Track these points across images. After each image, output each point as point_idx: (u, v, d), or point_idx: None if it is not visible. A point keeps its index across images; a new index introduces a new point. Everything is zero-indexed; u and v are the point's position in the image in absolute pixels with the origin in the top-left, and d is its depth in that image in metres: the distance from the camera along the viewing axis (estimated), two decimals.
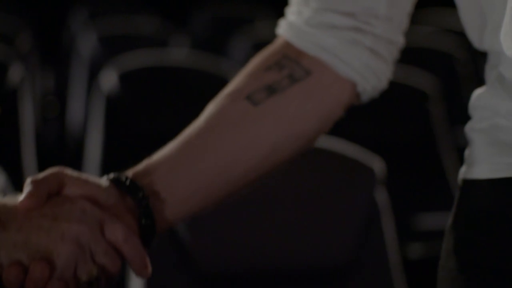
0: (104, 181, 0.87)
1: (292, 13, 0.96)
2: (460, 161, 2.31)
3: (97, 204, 0.83)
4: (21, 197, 0.81)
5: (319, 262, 1.42)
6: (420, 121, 2.71)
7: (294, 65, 0.92)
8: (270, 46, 0.96)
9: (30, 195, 0.80)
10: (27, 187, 0.81)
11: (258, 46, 3.41)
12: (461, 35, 4.01)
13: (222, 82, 2.57)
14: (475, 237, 0.85)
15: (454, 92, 3.46)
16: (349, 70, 0.92)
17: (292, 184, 1.42)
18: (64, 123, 3.52)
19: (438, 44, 3.75)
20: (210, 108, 0.93)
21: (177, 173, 0.90)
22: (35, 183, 0.82)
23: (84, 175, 0.86)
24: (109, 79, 2.50)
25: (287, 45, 0.94)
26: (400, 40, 0.95)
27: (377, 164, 1.46)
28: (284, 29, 0.96)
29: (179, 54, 2.99)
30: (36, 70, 3.91)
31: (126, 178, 0.87)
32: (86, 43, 3.71)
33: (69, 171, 0.85)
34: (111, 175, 0.88)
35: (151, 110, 2.48)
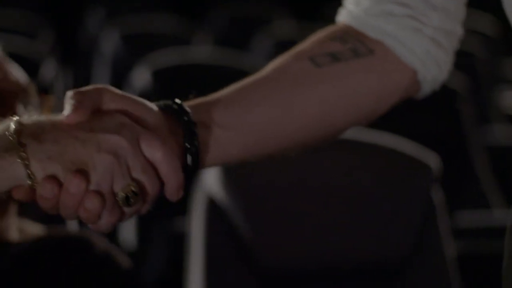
0: (147, 101, 0.83)
1: (350, 3, 0.95)
2: (490, 159, 2.27)
3: (138, 122, 0.79)
4: (66, 110, 0.77)
5: (375, 259, 1.42)
6: (450, 119, 2.71)
7: (357, 42, 0.92)
8: (329, 27, 0.96)
9: (76, 108, 0.77)
10: (70, 100, 0.77)
11: (280, 45, 3.42)
12: (483, 36, 4.02)
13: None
14: None
15: (477, 91, 3.46)
16: (410, 55, 0.91)
17: (350, 182, 1.42)
18: None
19: (461, 44, 3.74)
20: (272, 64, 0.92)
21: (231, 112, 0.87)
22: (79, 96, 0.77)
23: (128, 94, 0.82)
24: (141, 77, 2.50)
25: (349, 27, 0.94)
26: (458, 30, 0.94)
27: (433, 161, 1.46)
28: (344, 16, 0.95)
29: (206, 52, 2.98)
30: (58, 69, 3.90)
31: (174, 102, 0.84)
32: (108, 42, 3.71)
33: (113, 88, 0.81)
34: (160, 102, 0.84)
35: None
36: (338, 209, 1.40)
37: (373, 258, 1.41)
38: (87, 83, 3.97)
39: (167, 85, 2.49)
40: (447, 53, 0.93)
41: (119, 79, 3.40)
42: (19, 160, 0.74)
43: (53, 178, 0.75)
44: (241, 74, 2.71)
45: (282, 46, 3.71)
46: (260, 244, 1.36)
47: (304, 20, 4.61)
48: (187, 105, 0.85)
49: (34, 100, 1.28)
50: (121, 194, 0.76)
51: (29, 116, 0.79)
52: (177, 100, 0.84)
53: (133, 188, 0.76)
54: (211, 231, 1.38)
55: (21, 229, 1.46)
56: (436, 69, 0.92)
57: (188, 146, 0.82)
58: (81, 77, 4.12)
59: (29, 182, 0.75)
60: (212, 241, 1.37)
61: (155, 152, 0.77)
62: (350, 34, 0.92)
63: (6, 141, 0.75)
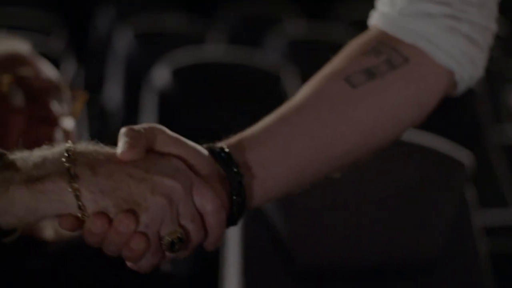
0: (201, 147, 0.82)
1: (383, 4, 0.94)
2: (506, 158, 2.27)
3: (191, 167, 0.78)
4: (120, 147, 0.76)
5: (408, 257, 1.42)
6: (466, 118, 2.71)
7: (391, 51, 0.91)
8: (363, 35, 0.94)
9: (131, 146, 0.76)
10: (124, 137, 0.77)
11: (293, 44, 3.41)
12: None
13: (272, 78, 2.59)
14: None
15: (490, 91, 3.46)
16: (447, 57, 0.91)
17: (384, 180, 1.42)
18: (105, 119, 3.52)
19: None
20: (306, 88, 0.91)
21: (271, 148, 0.86)
22: (133, 134, 0.77)
23: (181, 137, 0.81)
24: (161, 76, 2.51)
25: (382, 34, 0.93)
26: (493, 27, 0.93)
27: (467, 159, 1.46)
28: (376, 19, 0.94)
29: (224, 51, 2.99)
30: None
31: (222, 150, 0.83)
32: (122, 41, 3.71)
33: (165, 129, 0.80)
34: (205, 144, 0.83)
35: (204, 105, 2.48)
36: (373, 207, 1.41)
37: (406, 257, 1.42)
38: (99, 82, 3.99)
39: (187, 84, 2.50)
40: (482, 50, 0.92)
41: (134, 78, 3.41)
42: (70, 190, 0.73)
43: (103, 214, 0.74)
44: (260, 72, 2.73)
45: (295, 45, 3.71)
46: (296, 242, 1.37)
47: (315, 18, 4.61)
48: (227, 144, 0.85)
49: (67, 96, 1.27)
50: (167, 239, 0.76)
51: (82, 143, 0.78)
52: (225, 148, 0.84)
53: (179, 235, 0.76)
54: (247, 229, 1.38)
55: (56, 228, 1.46)
56: (472, 68, 0.92)
57: (235, 200, 0.82)
58: (93, 76, 4.12)
59: (79, 213, 0.74)
60: (249, 240, 1.37)
61: (207, 203, 0.77)
62: (383, 43, 0.91)
63: (60, 166, 0.75)
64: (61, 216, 0.75)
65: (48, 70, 1.28)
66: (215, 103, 2.49)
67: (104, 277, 1.37)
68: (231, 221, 0.82)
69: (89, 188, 0.74)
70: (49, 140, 1.14)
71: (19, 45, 1.31)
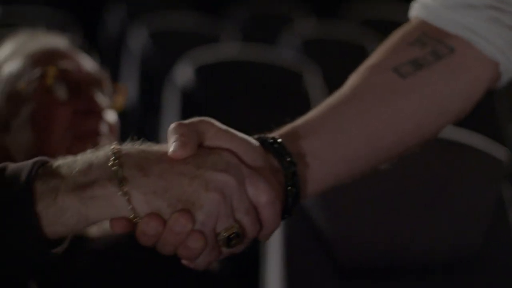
0: (251, 139, 0.80)
1: None
2: None
3: (242, 160, 0.77)
4: (172, 145, 0.74)
5: (447, 254, 1.42)
6: (486, 116, 2.71)
7: (436, 42, 0.90)
8: (405, 26, 0.94)
9: (183, 143, 0.74)
10: (174, 133, 0.75)
11: (308, 43, 3.41)
12: None
13: (294, 76, 2.59)
14: None
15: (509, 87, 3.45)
16: (491, 48, 0.90)
17: (422, 177, 1.42)
18: (120, 118, 3.51)
19: None
20: (354, 79, 0.90)
21: (323, 138, 0.85)
22: (184, 130, 0.75)
23: (231, 129, 0.79)
24: (183, 74, 2.51)
25: (425, 25, 0.92)
26: None
27: (504, 156, 1.46)
28: (418, 10, 0.94)
29: (246, 49, 2.99)
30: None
31: (274, 140, 0.82)
32: (136, 40, 3.71)
33: (215, 121, 0.79)
34: (256, 135, 0.82)
35: (227, 103, 2.49)
36: (412, 204, 1.41)
37: (445, 254, 1.42)
38: (114, 80, 3.98)
39: (210, 81, 2.50)
40: None
41: (150, 76, 3.41)
42: (121, 193, 0.72)
43: (156, 215, 0.72)
44: (282, 70, 2.74)
45: (309, 43, 3.70)
46: (338, 239, 1.37)
47: (326, 17, 4.62)
48: (278, 134, 0.84)
49: (108, 89, 1.25)
50: (223, 235, 0.74)
51: (127, 143, 0.76)
52: (278, 138, 0.82)
53: (236, 230, 0.74)
54: (289, 225, 1.38)
55: (99, 224, 1.45)
56: None
57: (290, 190, 0.81)
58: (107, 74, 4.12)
59: (131, 216, 0.72)
60: (290, 237, 1.37)
61: (261, 195, 0.75)
62: (427, 34, 0.91)
63: (107, 170, 0.72)
64: (112, 220, 0.74)
65: (88, 64, 1.26)
66: (238, 101, 2.50)
67: (149, 272, 1.37)
68: (285, 212, 0.81)
69: (141, 190, 0.72)
70: (95, 133, 1.19)
71: (57, 40, 1.29)
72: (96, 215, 0.73)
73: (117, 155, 0.73)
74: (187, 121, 0.77)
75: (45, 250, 0.73)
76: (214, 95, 2.50)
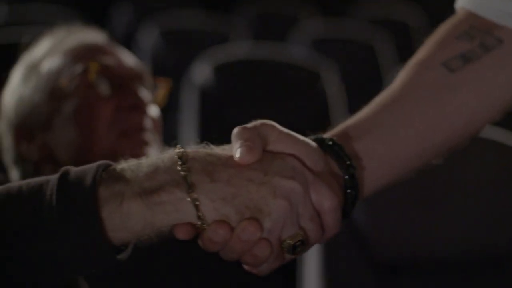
0: (311, 141, 0.78)
1: None
2: None
3: (305, 165, 0.75)
4: (238, 150, 0.72)
5: (485, 251, 1.42)
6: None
7: (484, 34, 0.89)
8: (451, 18, 0.93)
9: (249, 148, 0.72)
10: (239, 138, 0.73)
11: (316, 42, 3.39)
12: None
13: (311, 74, 2.59)
14: None
15: None
16: None
17: (461, 175, 1.42)
18: None
19: None
20: (403, 76, 0.89)
21: (378, 137, 0.84)
22: (249, 135, 0.74)
23: (292, 132, 0.77)
24: (201, 72, 2.51)
25: (472, 16, 0.91)
26: None
27: None
28: (465, 1, 0.92)
29: (262, 48, 2.99)
30: None
31: (332, 141, 0.81)
32: (148, 38, 3.71)
33: (276, 124, 0.77)
34: (312, 136, 0.81)
35: (244, 102, 2.48)
36: (451, 201, 1.41)
37: (483, 250, 1.42)
38: None
39: (228, 80, 2.50)
40: None
41: (162, 75, 3.40)
42: (189, 199, 0.70)
43: (224, 222, 0.71)
44: (298, 68, 2.73)
45: (318, 42, 3.69)
46: (375, 234, 1.37)
47: (333, 16, 4.62)
48: (332, 135, 0.82)
49: (149, 84, 1.22)
50: (288, 242, 0.73)
51: (190, 146, 0.74)
52: (336, 140, 0.81)
53: (301, 237, 0.73)
54: None
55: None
56: None
57: (349, 191, 0.80)
58: None
59: (198, 222, 0.71)
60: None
61: (324, 201, 0.74)
62: (475, 27, 0.90)
63: (175, 175, 0.71)
64: (176, 226, 0.71)
65: (129, 59, 1.24)
66: (256, 99, 2.50)
67: (192, 269, 1.32)
68: (344, 215, 0.79)
69: (209, 196, 0.70)
70: (140, 129, 1.16)
71: (96, 35, 1.27)
72: (162, 221, 0.71)
73: (184, 159, 0.71)
74: (250, 125, 0.76)
75: (109, 256, 0.71)
76: (232, 93, 2.50)
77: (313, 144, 0.78)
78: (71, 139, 1.17)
